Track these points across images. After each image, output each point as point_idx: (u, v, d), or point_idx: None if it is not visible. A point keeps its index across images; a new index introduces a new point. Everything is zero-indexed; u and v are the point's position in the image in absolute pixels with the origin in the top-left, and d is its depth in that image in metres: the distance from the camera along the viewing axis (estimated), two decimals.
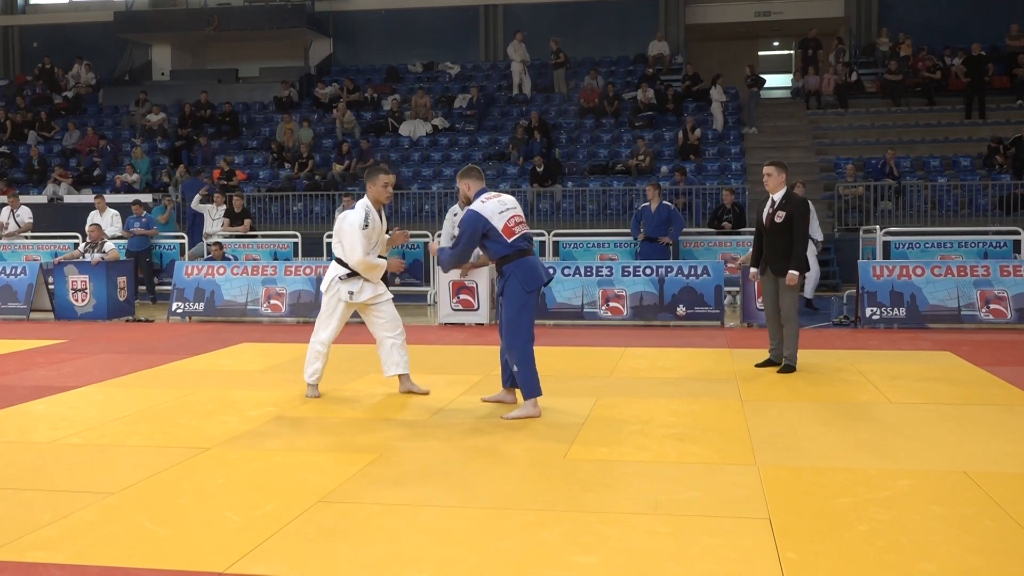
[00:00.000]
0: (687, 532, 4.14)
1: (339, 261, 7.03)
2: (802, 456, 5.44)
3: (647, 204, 13.89)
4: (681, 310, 11.90)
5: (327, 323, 7.07)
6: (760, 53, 27.55)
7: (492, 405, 6.85)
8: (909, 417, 6.46)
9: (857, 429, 6.12)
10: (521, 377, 6.40)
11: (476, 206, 6.38)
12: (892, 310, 11.47)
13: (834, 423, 6.29)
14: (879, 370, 8.23)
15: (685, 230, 15.27)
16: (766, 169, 8.11)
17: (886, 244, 13.53)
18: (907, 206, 17.47)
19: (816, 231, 12.47)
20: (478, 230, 6.35)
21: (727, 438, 5.87)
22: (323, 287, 7.13)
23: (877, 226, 14.29)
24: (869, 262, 11.96)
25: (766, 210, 8.08)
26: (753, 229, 8.75)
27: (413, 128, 21.86)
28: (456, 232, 6.75)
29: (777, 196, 8.01)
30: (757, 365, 8.38)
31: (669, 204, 14.22)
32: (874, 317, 11.47)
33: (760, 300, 8.71)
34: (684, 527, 4.20)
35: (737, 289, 12.55)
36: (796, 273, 7.96)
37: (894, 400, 7.01)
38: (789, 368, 8.12)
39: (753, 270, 8.46)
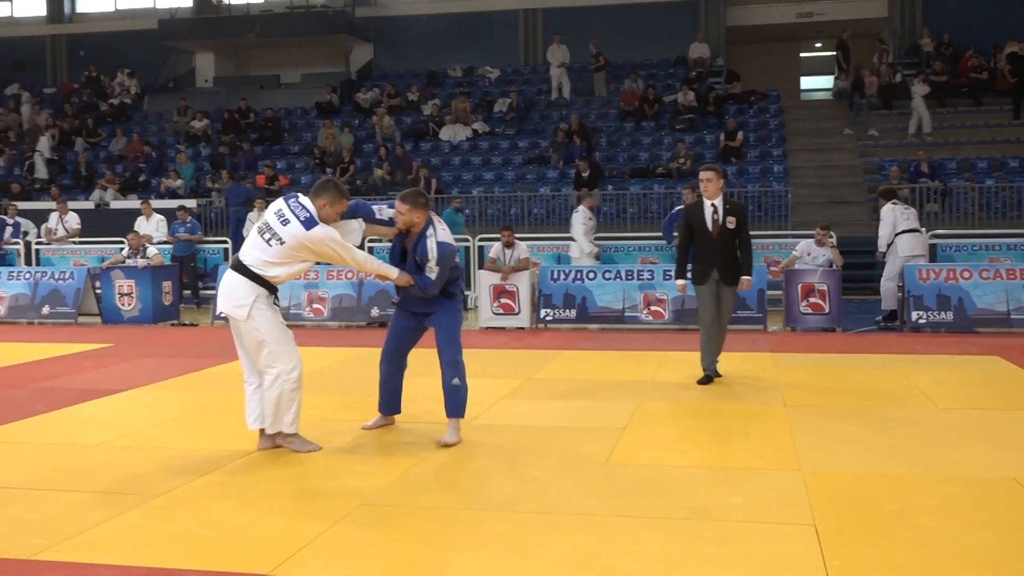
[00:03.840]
0: (730, 538, 4.11)
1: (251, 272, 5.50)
2: (847, 461, 5.38)
3: (682, 207, 13.80)
4: None
5: (287, 347, 5.55)
6: (802, 55, 27.32)
7: (534, 409, 6.84)
8: (956, 423, 6.37)
9: (903, 434, 6.04)
10: (463, 393, 5.89)
11: (444, 236, 5.86)
12: (939, 314, 11.30)
13: (880, 428, 6.21)
14: (926, 375, 8.12)
15: None
16: (706, 175, 7.75)
17: (932, 247, 13.34)
18: (954, 208, 17.22)
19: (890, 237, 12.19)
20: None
21: (770, 443, 5.83)
22: (240, 307, 5.49)
23: (923, 228, 14.08)
24: (915, 265, 11.81)
25: (708, 217, 7.67)
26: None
27: (453, 132, 21.94)
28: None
29: (717, 202, 7.70)
30: (699, 382, 7.83)
31: None
32: (920, 321, 11.32)
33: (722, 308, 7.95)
34: (727, 533, 4.18)
35: (779, 293, 12.44)
36: (750, 278, 7.80)
37: (941, 405, 6.92)
38: (715, 372, 7.94)
39: (681, 282, 8.08)
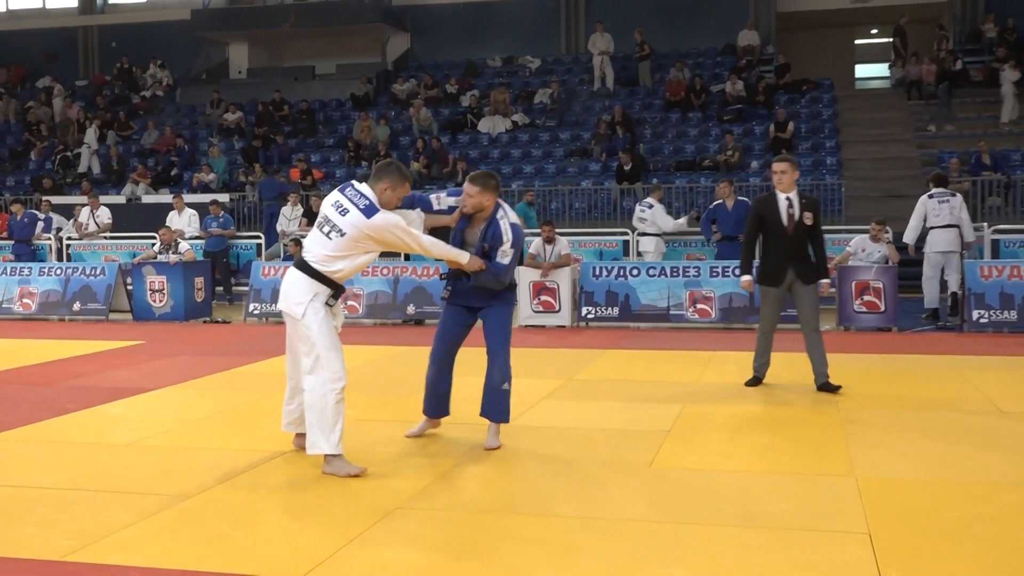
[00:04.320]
0: (779, 546, 4.07)
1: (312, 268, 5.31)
2: (903, 467, 5.31)
3: (720, 202, 13.69)
4: None
5: (335, 355, 5.27)
6: (857, 42, 26.99)
7: (575, 410, 6.82)
8: (1020, 427, 6.26)
9: (963, 439, 5.95)
10: (508, 399, 5.85)
11: (515, 218, 5.80)
12: (1001, 313, 11.13)
13: (938, 433, 6.12)
14: (987, 377, 7.99)
15: None
16: (780, 167, 7.44)
17: (995, 243, 13.15)
18: (1017, 202, 16.93)
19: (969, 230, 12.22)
20: None
21: (822, 447, 5.76)
22: (297, 305, 5.28)
23: (985, 224, 13.88)
24: (976, 262, 11.62)
25: (783, 211, 7.35)
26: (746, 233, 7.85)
27: (492, 124, 21.95)
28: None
29: (792, 195, 7.40)
30: (747, 383, 7.71)
31: (746, 200, 13.99)
32: (981, 320, 11.15)
33: (785, 307, 7.70)
34: (776, 541, 4.14)
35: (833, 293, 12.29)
36: (828, 280, 7.54)
37: (1004, 409, 6.80)
38: (830, 386, 7.43)
39: (747, 278, 7.78)
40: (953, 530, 4.25)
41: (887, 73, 24.17)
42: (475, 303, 5.81)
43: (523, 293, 12.23)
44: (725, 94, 21.32)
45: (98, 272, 14.18)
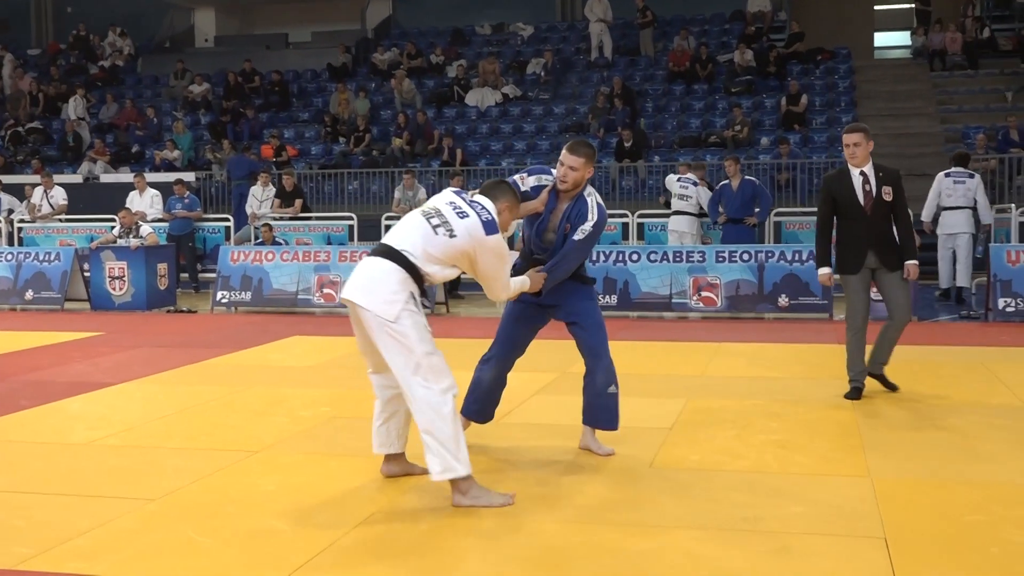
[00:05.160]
0: (791, 552, 4.10)
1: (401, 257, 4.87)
2: (923, 467, 5.34)
3: (727, 182, 13.70)
4: (783, 300, 11.76)
5: (440, 360, 4.80)
6: (876, 7, 26.99)
7: (569, 406, 6.82)
8: None
9: (987, 438, 5.98)
10: (616, 403, 5.63)
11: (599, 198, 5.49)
12: None
13: (960, 430, 6.15)
14: (1014, 370, 8.03)
15: (789, 210, 15.06)
16: (852, 138, 6.96)
17: (1023, 225, 13.18)
18: None
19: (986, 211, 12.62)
20: None
21: (836, 446, 5.79)
22: (390, 304, 4.75)
23: (1012, 205, 13.92)
24: (1003, 246, 11.66)
25: (858, 188, 6.93)
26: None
27: (481, 97, 21.91)
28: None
29: (867, 169, 6.94)
30: (847, 396, 7.06)
31: (753, 179, 14.01)
32: (1008, 309, 11.20)
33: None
34: (787, 546, 4.16)
35: None
36: (917, 263, 7.06)
37: None
38: (885, 379, 7.25)
39: (826, 270, 7.24)
40: (977, 534, 4.27)
41: (908, 42, 24.19)
42: (546, 300, 5.51)
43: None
44: (733, 64, 21.31)
45: (53, 258, 14.14)
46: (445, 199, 4.97)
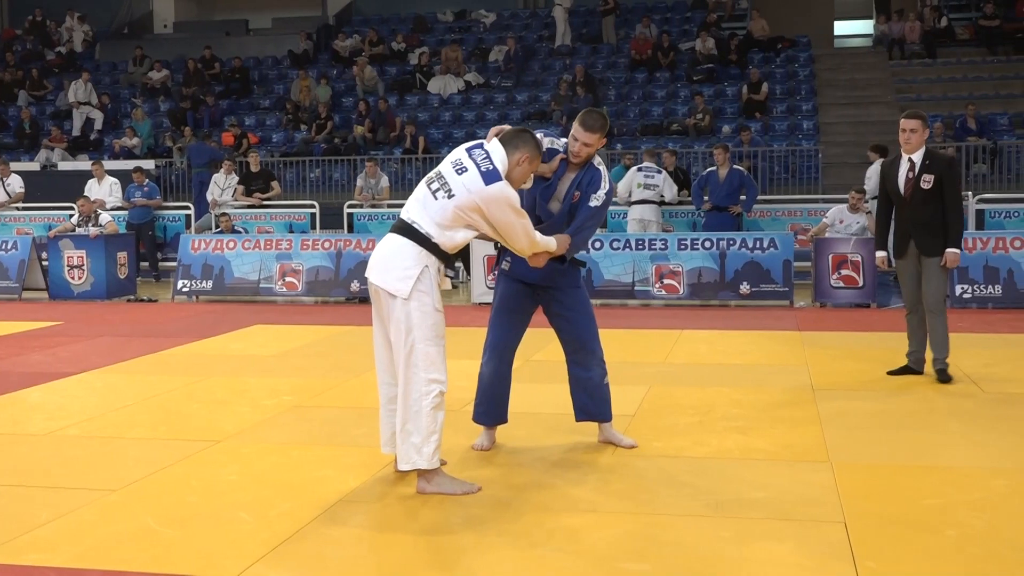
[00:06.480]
0: (752, 537, 4.13)
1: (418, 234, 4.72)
2: (882, 452, 5.40)
3: (713, 169, 13.70)
4: (745, 288, 11.83)
5: (440, 350, 4.70)
6: None
7: (532, 394, 6.84)
8: (1005, 409, 6.38)
9: (945, 422, 6.06)
10: (609, 393, 5.59)
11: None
12: (986, 288, 11.32)
13: (918, 415, 6.23)
14: (970, 356, 8.13)
15: None
16: (910, 124, 7.09)
17: (979, 212, 13.35)
18: (1004, 169, 17.18)
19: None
20: None
21: (797, 432, 5.84)
22: (403, 280, 4.64)
23: (969, 192, 14.05)
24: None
25: (902, 175, 7.14)
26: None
27: (443, 84, 21.85)
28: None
29: (916, 156, 7.10)
30: (891, 373, 7.44)
31: (741, 169, 14.00)
32: (964, 296, 11.33)
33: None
34: (748, 531, 4.20)
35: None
36: (958, 251, 7.09)
37: (987, 390, 6.93)
38: (946, 376, 7.19)
39: (881, 254, 7.51)
40: (935, 518, 4.33)
41: (868, 30, 24.37)
42: (541, 280, 5.31)
43: (477, 268, 12.24)
44: (695, 52, 21.38)
45: (10, 247, 13.96)
46: (452, 157, 4.79)
